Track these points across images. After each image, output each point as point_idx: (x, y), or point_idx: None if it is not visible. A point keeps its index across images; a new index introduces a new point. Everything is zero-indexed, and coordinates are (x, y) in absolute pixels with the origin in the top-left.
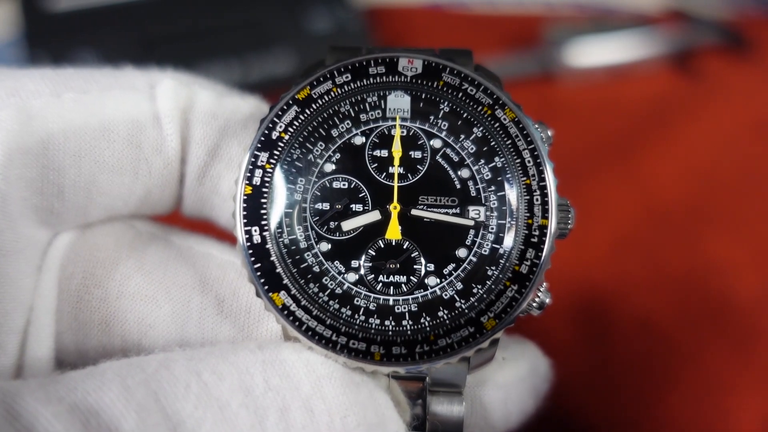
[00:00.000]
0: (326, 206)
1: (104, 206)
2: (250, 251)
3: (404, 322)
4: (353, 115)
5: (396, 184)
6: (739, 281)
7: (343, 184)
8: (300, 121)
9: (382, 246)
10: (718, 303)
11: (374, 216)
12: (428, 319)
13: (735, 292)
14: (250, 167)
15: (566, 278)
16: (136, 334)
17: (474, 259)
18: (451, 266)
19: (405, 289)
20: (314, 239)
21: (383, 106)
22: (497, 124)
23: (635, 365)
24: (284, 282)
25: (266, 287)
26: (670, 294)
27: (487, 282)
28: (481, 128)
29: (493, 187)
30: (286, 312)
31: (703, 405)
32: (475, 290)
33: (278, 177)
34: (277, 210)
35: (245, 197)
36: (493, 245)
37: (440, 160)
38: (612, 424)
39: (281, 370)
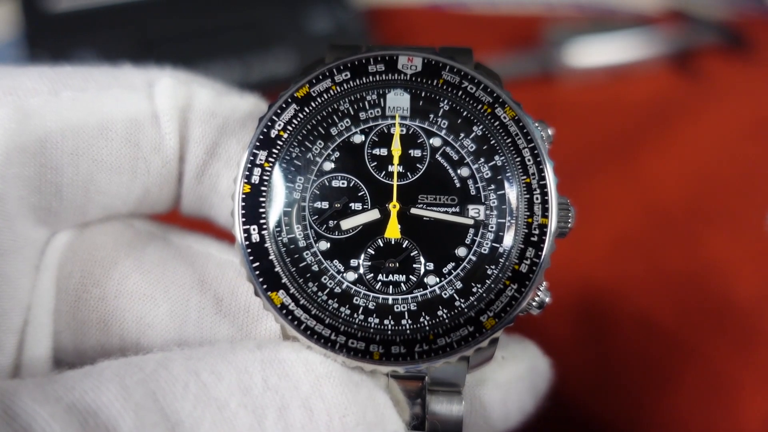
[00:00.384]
0: (325, 205)
1: (102, 205)
2: (249, 250)
3: (403, 322)
4: (352, 113)
5: (395, 182)
6: (739, 281)
7: (342, 183)
8: (299, 119)
9: (382, 245)
10: (718, 302)
11: (373, 215)
12: (427, 318)
13: (735, 292)
14: (249, 166)
15: (566, 277)
16: (135, 334)
17: (473, 258)
18: (450, 265)
19: (404, 288)
20: (313, 238)
21: (383, 105)
22: (497, 123)
23: (635, 364)
24: (283, 281)
25: (265, 286)
26: (670, 293)
27: (487, 281)
28: (481, 126)
29: (492, 186)
30: (284, 311)
31: (703, 404)
32: (474, 289)
33: (277, 175)
34: (275, 209)
35: (244, 196)
36: (493, 244)
37: (440, 158)
38: (612, 423)
39: (280, 370)
